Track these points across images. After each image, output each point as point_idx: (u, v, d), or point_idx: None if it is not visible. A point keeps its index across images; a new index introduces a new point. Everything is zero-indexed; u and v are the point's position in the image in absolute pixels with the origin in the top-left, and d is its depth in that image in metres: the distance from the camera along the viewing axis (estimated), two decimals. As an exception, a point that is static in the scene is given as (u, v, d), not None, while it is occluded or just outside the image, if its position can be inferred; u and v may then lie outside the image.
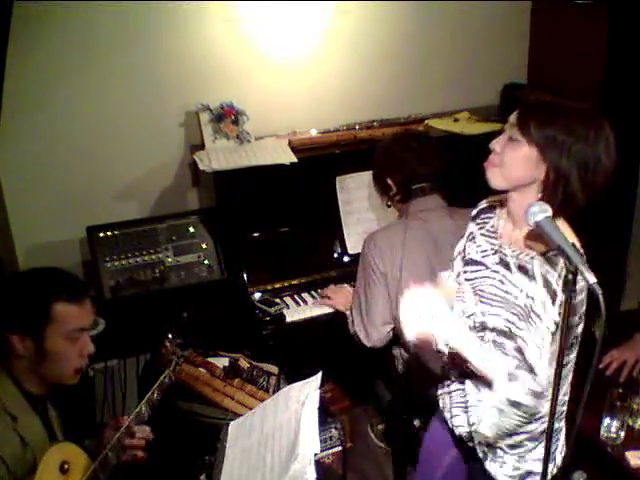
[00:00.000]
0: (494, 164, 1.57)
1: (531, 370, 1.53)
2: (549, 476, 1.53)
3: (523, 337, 1.55)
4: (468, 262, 1.73)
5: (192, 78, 2.73)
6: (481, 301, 1.66)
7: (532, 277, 1.54)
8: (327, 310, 2.52)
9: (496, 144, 1.58)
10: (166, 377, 1.85)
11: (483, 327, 1.65)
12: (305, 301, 2.58)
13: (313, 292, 2.62)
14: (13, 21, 2.20)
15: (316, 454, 1.37)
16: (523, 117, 1.54)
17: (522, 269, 1.57)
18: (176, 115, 2.77)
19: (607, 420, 2.13)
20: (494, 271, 1.65)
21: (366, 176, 2.68)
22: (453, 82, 3.18)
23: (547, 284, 1.51)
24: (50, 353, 1.57)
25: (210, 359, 2.30)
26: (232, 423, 1.69)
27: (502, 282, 1.62)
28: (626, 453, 2.08)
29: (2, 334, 1.55)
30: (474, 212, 1.78)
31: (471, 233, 1.76)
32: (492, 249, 1.67)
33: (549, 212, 1.42)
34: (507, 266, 1.61)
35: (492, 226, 1.71)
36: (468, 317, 1.69)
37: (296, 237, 2.68)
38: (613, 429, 2.12)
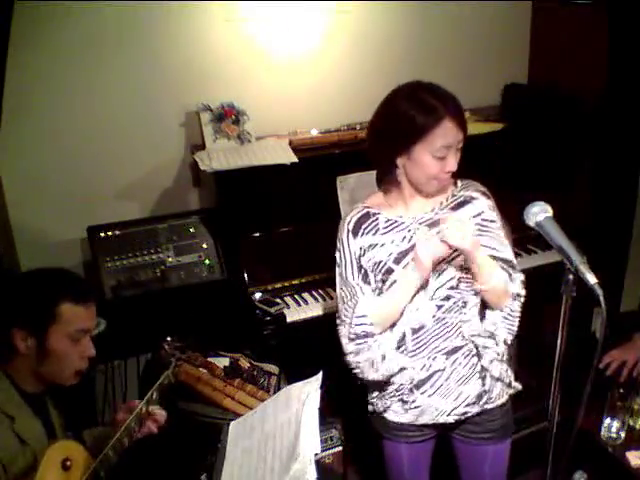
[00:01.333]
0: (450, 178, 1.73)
1: (512, 265, 1.77)
2: None
3: (493, 246, 1.75)
4: (399, 259, 1.73)
5: (193, 78, 2.73)
6: (449, 261, 1.73)
7: (471, 199, 1.77)
8: (328, 310, 2.52)
9: (453, 166, 1.68)
10: (165, 379, 1.85)
11: (460, 280, 1.74)
12: (305, 301, 2.58)
13: (313, 292, 2.62)
14: (14, 20, 2.20)
15: (317, 454, 1.36)
16: (462, 123, 1.67)
17: (461, 205, 1.76)
18: (176, 115, 2.77)
19: (607, 420, 2.13)
20: (436, 233, 1.70)
21: (367, 176, 2.67)
22: (453, 82, 3.13)
23: (484, 194, 1.79)
24: (52, 352, 1.58)
25: (210, 359, 2.30)
26: (232, 423, 1.69)
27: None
28: (627, 453, 2.08)
29: (6, 330, 1.56)
30: (349, 230, 1.78)
31: (362, 247, 1.76)
32: (409, 230, 1.75)
33: (550, 212, 1.43)
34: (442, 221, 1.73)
35: (387, 220, 1.77)
36: (441, 286, 1.75)
37: (296, 237, 2.68)
38: (614, 429, 2.13)
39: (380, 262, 1.75)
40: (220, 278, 2.59)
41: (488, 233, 1.77)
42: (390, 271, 1.74)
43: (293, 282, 2.63)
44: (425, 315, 1.75)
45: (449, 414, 1.81)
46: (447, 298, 1.75)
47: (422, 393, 1.79)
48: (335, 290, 2.60)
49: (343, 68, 2.99)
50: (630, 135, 3.00)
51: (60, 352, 1.59)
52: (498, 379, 1.83)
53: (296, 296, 2.60)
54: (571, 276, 1.36)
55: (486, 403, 1.82)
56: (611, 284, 3.11)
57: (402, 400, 1.82)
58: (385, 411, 1.87)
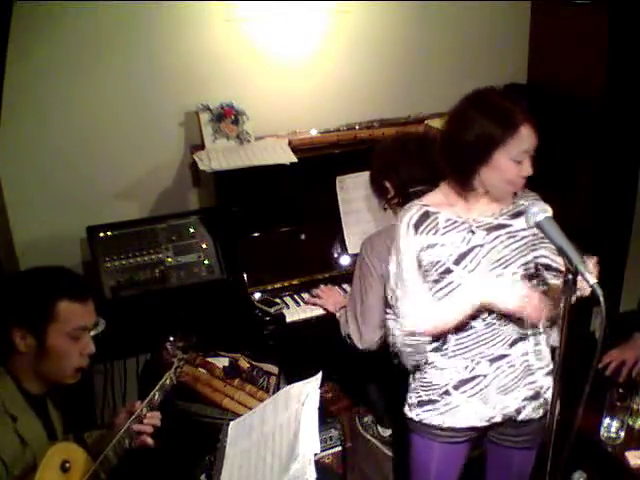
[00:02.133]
0: None
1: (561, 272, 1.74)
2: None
3: (550, 256, 1.74)
4: (458, 260, 1.73)
5: (192, 78, 2.73)
6: (505, 266, 1.72)
7: None
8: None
9: (529, 171, 1.71)
10: (167, 380, 1.85)
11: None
12: (305, 301, 2.57)
13: (313, 292, 2.62)
14: (14, 20, 2.20)
15: (316, 454, 1.37)
16: (536, 129, 1.69)
17: (516, 215, 1.76)
18: (176, 115, 2.77)
19: (607, 420, 2.13)
20: (495, 238, 1.73)
21: (366, 176, 2.65)
22: (453, 82, 3.17)
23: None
24: (51, 351, 1.58)
25: (210, 359, 2.30)
26: (232, 423, 1.70)
27: (512, 237, 1.74)
28: (626, 453, 2.08)
29: (5, 329, 1.56)
30: (410, 227, 1.77)
31: (422, 246, 1.75)
32: (468, 231, 1.74)
33: (549, 212, 1.44)
34: (501, 226, 1.74)
35: (447, 220, 1.75)
36: None
37: (296, 237, 2.68)
38: (613, 429, 2.13)
39: (438, 262, 1.74)
40: (219, 278, 2.58)
41: (544, 244, 1.75)
42: (448, 271, 1.73)
43: (293, 282, 2.63)
44: (476, 317, 1.73)
45: (487, 420, 1.79)
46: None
47: (462, 393, 1.78)
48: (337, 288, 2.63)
49: (342, 68, 2.99)
50: (630, 135, 3.00)
51: (59, 350, 1.59)
52: (542, 396, 1.82)
53: (296, 296, 2.60)
54: (571, 276, 1.36)
55: (523, 417, 1.81)
56: (611, 284, 3.11)
57: (438, 400, 1.81)
58: (420, 410, 1.84)
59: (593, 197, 3.09)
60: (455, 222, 1.75)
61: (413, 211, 1.79)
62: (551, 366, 1.81)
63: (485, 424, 1.81)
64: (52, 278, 1.65)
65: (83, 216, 2.62)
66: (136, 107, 2.69)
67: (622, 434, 2.13)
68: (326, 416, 2.42)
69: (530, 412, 1.80)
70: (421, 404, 1.85)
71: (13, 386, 1.59)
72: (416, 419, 1.86)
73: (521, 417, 1.79)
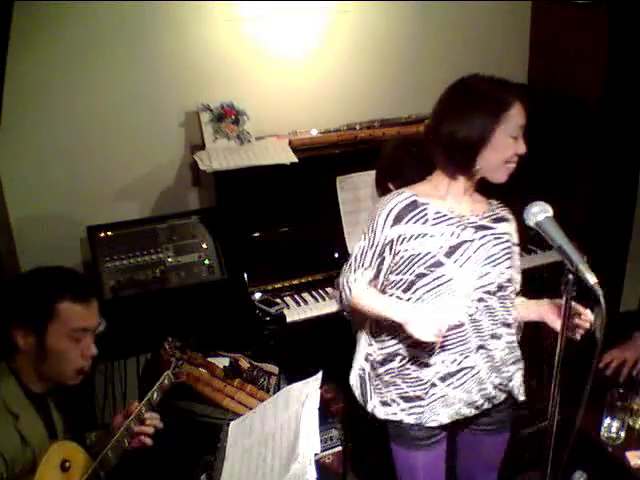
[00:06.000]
0: None
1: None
2: None
3: (516, 267, 1.86)
4: (449, 253, 1.73)
5: (192, 78, 2.73)
6: (495, 265, 1.77)
7: (507, 220, 1.85)
8: (327, 310, 2.52)
9: (524, 149, 1.72)
10: (165, 379, 1.85)
11: (499, 287, 1.77)
12: (305, 301, 2.57)
13: (313, 292, 2.62)
14: (14, 20, 2.20)
15: (316, 454, 1.37)
16: (526, 104, 1.70)
17: (500, 220, 1.83)
18: (176, 115, 2.77)
19: (607, 420, 2.13)
20: (483, 237, 1.77)
21: (366, 176, 2.68)
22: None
23: (514, 219, 1.85)
24: (51, 351, 1.58)
25: (210, 359, 2.30)
26: (232, 423, 1.70)
27: (497, 238, 1.79)
28: (626, 453, 2.09)
29: (6, 328, 1.56)
30: (389, 216, 1.75)
31: (402, 236, 1.73)
32: (458, 226, 1.76)
33: (550, 212, 1.44)
34: (485, 227, 1.79)
35: (437, 212, 1.75)
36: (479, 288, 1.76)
37: (296, 237, 2.68)
38: (613, 429, 2.13)
39: (428, 253, 1.72)
40: (220, 278, 2.58)
41: (515, 255, 1.85)
42: (439, 264, 1.72)
43: (293, 282, 2.63)
44: (462, 314, 1.75)
45: (468, 406, 1.82)
46: (480, 300, 1.75)
47: (447, 385, 1.79)
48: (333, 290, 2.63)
49: (343, 68, 2.99)
50: (630, 135, 3.00)
51: (60, 351, 1.59)
52: (512, 381, 1.88)
53: (296, 296, 2.60)
54: (571, 276, 1.36)
55: (497, 400, 1.87)
56: (611, 284, 3.11)
57: (423, 398, 1.81)
58: (407, 406, 1.83)
59: (593, 197, 3.09)
60: (445, 215, 1.76)
61: (400, 198, 1.76)
62: (518, 356, 1.89)
63: (466, 412, 1.83)
64: (55, 278, 1.65)
65: (83, 216, 2.62)
66: (136, 107, 2.69)
67: (622, 434, 2.13)
68: (326, 416, 2.42)
69: (500, 396, 1.87)
70: (406, 399, 1.82)
71: (15, 384, 1.59)
72: (398, 427, 1.86)
73: (496, 401, 1.86)
